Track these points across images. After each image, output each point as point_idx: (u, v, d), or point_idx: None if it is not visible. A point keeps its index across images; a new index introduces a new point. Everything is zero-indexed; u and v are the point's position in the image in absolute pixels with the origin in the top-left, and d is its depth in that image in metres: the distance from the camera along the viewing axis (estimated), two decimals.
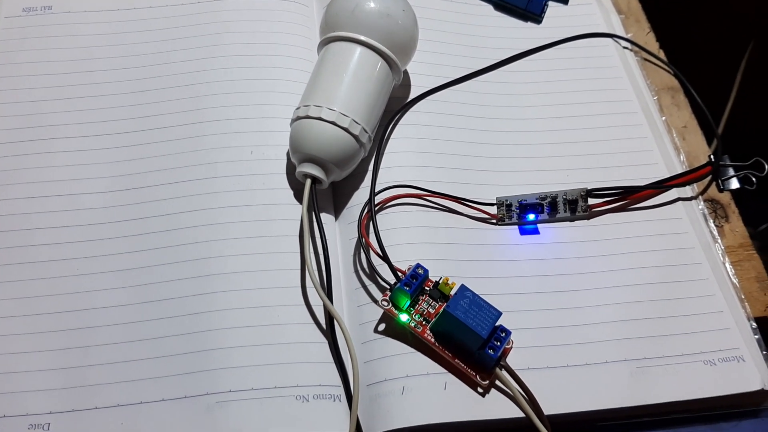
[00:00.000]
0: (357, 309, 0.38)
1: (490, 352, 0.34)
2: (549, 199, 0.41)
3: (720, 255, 0.41)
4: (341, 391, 0.35)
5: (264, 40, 0.47)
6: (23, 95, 0.45)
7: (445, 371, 0.35)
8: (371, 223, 0.39)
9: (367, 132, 0.40)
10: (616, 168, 0.44)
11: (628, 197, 0.42)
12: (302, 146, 0.39)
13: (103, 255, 0.39)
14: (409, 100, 0.45)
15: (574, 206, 0.41)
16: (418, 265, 0.37)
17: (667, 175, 0.43)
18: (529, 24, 0.51)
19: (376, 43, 0.41)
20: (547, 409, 0.34)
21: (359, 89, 0.40)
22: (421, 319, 0.36)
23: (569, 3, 0.53)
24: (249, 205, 0.40)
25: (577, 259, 0.40)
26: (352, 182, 0.42)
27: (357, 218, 0.39)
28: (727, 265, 0.41)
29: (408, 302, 0.36)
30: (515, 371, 0.35)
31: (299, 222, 0.40)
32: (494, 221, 0.41)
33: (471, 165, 0.43)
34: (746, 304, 0.40)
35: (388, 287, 0.37)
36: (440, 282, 0.37)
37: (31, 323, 0.36)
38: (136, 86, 0.45)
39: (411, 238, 0.40)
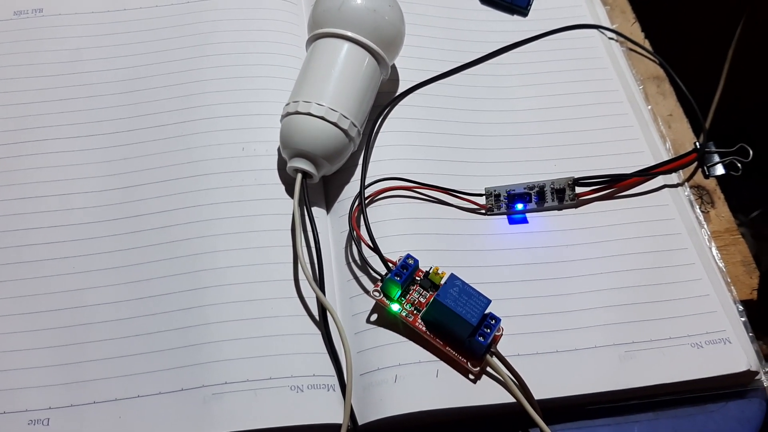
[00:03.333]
0: (349, 300, 0.39)
1: (481, 339, 0.35)
2: (537, 189, 0.42)
3: (706, 240, 0.42)
4: (335, 380, 0.36)
5: (253, 38, 0.47)
6: (15, 97, 0.45)
7: (437, 359, 0.36)
8: (362, 215, 0.39)
9: (356, 126, 0.40)
10: (602, 157, 0.44)
11: (615, 185, 0.43)
12: (292, 142, 0.40)
13: (97, 253, 0.39)
14: (397, 94, 0.46)
15: (562, 195, 0.42)
16: (409, 256, 0.37)
17: (653, 163, 0.44)
18: (516, 17, 0.52)
19: (363, 38, 0.41)
20: (538, 394, 0.35)
21: (347, 84, 0.41)
22: (412, 308, 0.37)
23: None
24: (241, 200, 0.41)
25: (566, 247, 0.41)
26: (343, 176, 0.43)
27: (348, 211, 0.40)
28: (714, 249, 0.42)
29: (399, 292, 0.37)
30: (506, 358, 0.36)
31: (291, 216, 0.40)
32: (483, 211, 0.42)
33: (459, 157, 0.44)
34: (732, 287, 0.40)
35: (380, 278, 0.38)
36: (430, 272, 0.37)
37: (28, 321, 0.37)
38: (128, 86, 0.46)
39: (401, 230, 0.40)
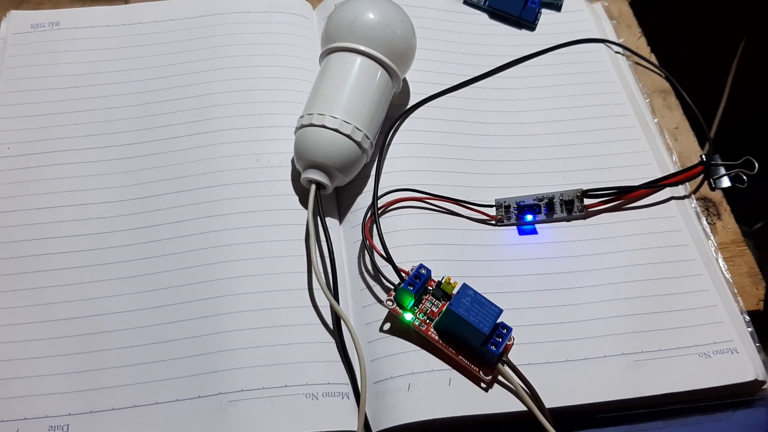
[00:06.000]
0: (362, 309, 0.39)
1: (492, 348, 0.36)
2: (546, 200, 0.42)
3: (713, 251, 0.43)
4: (349, 388, 0.37)
5: (266, 51, 0.48)
6: (33, 109, 0.46)
7: (449, 368, 0.37)
8: (375, 226, 0.40)
9: (369, 138, 0.41)
10: (610, 169, 0.45)
11: (622, 197, 0.43)
12: (306, 153, 0.40)
13: (114, 262, 0.40)
14: (408, 106, 0.47)
15: (571, 206, 0.42)
16: (421, 266, 0.38)
17: (660, 175, 0.45)
18: (524, 31, 0.53)
19: (376, 52, 0.42)
20: (549, 403, 0.35)
21: (360, 97, 0.41)
22: (425, 317, 0.37)
23: (562, 10, 0.54)
24: (255, 211, 0.41)
25: (575, 258, 0.41)
26: (356, 187, 0.43)
27: (361, 222, 0.41)
28: (720, 261, 0.42)
29: (412, 301, 0.37)
30: (517, 366, 0.36)
31: (305, 226, 0.41)
32: (493, 222, 0.43)
33: (470, 168, 0.44)
34: (739, 298, 0.41)
35: (393, 287, 0.38)
36: (443, 281, 0.38)
37: (47, 329, 0.38)
38: (143, 98, 0.47)
39: (413, 240, 0.41)
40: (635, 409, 0.37)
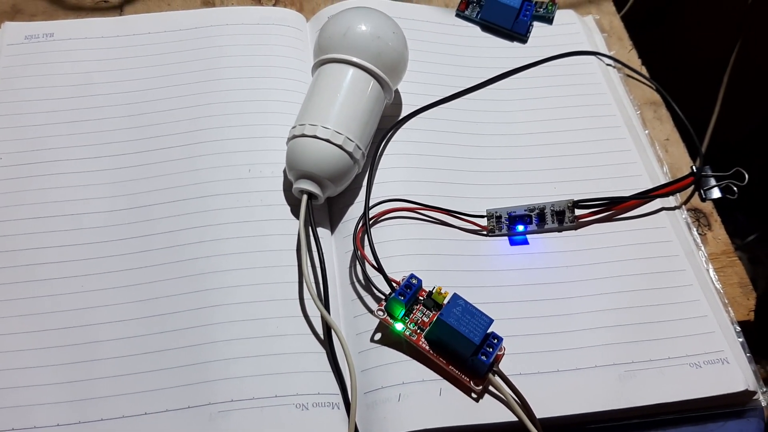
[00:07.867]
0: (353, 319, 0.39)
1: (483, 358, 0.36)
2: (537, 211, 0.43)
3: (703, 262, 0.43)
4: (339, 398, 0.36)
5: (260, 63, 0.49)
6: (27, 119, 0.46)
7: (440, 378, 0.37)
8: (366, 236, 0.40)
9: (360, 149, 0.41)
10: (601, 180, 0.45)
11: (613, 208, 0.44)
12: (298, 163, 0.40)
13: (106, 272, 0.40)
14: (400, 117, 0.47)
15: (562, 217, 0.43)
16: (412, 276, 0.38)
17: (651, 186, 0.45)
18: (515, 44, 0.53)
19: (368, 63, 0.42)
20: (539, 413, 0.35)
21: (352, 108, 0.42)
22: (416, 327, 0.37)
23: (553, 23, 0.54)
24: (247, 221, 0.42)
25: (566, 268, 0.41)
26: (347, 197, 0.43)
27: (352, 232, 0.41)
28: (711, 271, 0.43)
29: (403, 312, 0.37)
30: (508, 377, 0.36)
31: (296, 237, 0.41)
32: (485, 233, 0.43)
33: (461, 179, 0.45)
34: (730, 308, 0.41)
35: (384, 297, 0.38)
36: (433, 291, 0.38)
37: (37, 339, 0.37)
38: (136, 109, 0.47)
39: (405, 250, 0.41)
40: (626, 420, 0.37)
